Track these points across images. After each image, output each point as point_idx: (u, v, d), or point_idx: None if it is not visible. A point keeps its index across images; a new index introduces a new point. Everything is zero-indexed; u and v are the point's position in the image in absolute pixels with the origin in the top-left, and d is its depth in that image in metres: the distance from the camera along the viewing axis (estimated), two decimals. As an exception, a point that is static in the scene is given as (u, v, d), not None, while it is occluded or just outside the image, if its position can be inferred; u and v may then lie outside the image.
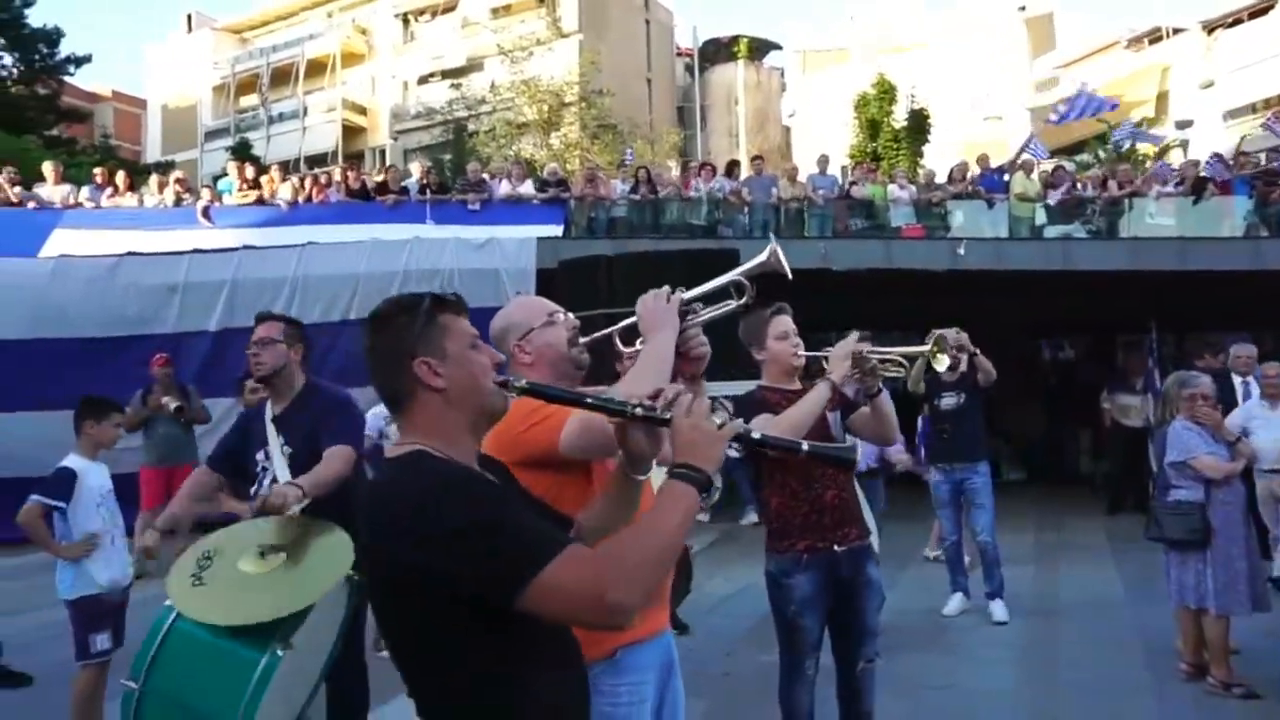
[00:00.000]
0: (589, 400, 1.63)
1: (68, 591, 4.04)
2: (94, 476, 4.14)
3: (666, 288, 2.10)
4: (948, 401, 6.37)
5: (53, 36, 30.13)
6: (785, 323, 3.38)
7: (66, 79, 31.32)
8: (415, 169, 12.52)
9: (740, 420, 1.57)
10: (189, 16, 42.57)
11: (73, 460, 4.11)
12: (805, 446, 1.59)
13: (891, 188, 12.55)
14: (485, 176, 12.48)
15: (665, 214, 12.60)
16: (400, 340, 1.50)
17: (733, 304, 2.13)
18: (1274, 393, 5.85)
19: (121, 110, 41.12)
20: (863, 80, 26.13)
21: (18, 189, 11.02)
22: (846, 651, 3.37)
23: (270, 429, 3.47)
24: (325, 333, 8.71)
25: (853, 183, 12.71)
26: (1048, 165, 13.64)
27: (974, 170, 12.77)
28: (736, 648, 5.55)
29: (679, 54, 38.32)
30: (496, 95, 25.16)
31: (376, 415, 5.29)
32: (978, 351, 6.00)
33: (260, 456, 3.47)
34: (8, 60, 29.77)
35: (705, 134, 36.34)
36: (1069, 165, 14.89)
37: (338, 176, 11.94)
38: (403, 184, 11.92)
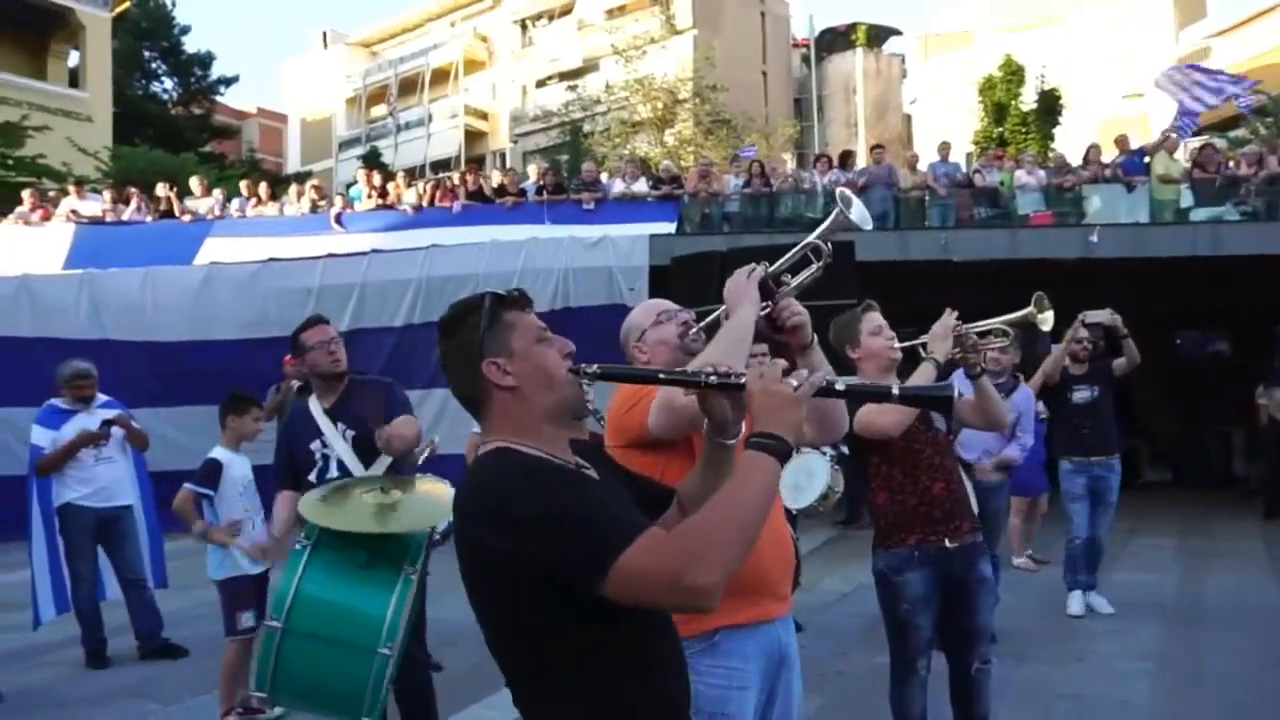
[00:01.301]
0: (662, 376, 1.66)
1: (216, 572, 4.38)
2: (237, 467, 4.48)
3: (750, 264, 2.14)
4: (1081, 395, 6.10)
5: (205, 60, 32.52)
6: (877, 318, 3.30)
7: (218, 99, 33.76)
8: (532, 171, 12.85)
9: (821, 373, 1.53)
10: (324, 34, 45.00)
11: (218, 452, 4.47)
12: (896, 389, 1.52)
13: (1019, 173, 11.98)
14: (601, 176, 12.69)
15: (780, 208, 12.48)
16: (468, 343, 1.51)
17: (815, 267, 2.14)
18: None
19: (266, 125, 43.75)
20: (988, 63, 24.98)
21: (177, 202, 11.96)
22: (960, 653, 3.26)
23: (323, 420, 3.66)
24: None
25: (976, 170, 12.21)
26: (1195, 143, 12.71)
27: (1112, 153, 12.03)
28: (850, 647, 5.46)
29: (795, 45, 37.65)
30: (610, 95, 25.44)
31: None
32: (1128, 334, 5.79)
33: (315, 446, 3.64)
34: (169, 84, 32.37)
35: (823, 125, 35.64)
36: (1219, 143, 13.81)
37: (458, 181, 12.36)
38: (520, 186, 12.25)
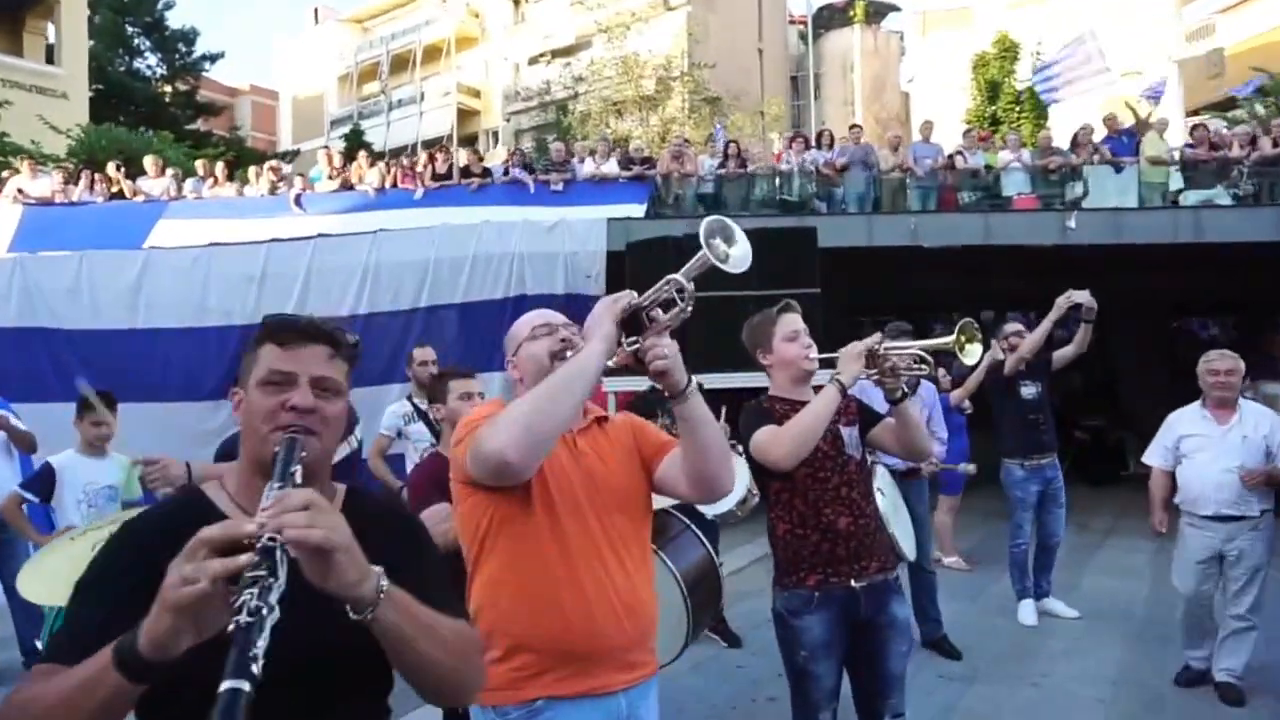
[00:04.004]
0: None
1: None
2: (82, 473, 4.11)
3: (625, 292, 1.89)
4: (1029, 390, 5.74)
5: (190, 36, 31.93)
6: (794, 321, 2.93)
7: (209, 75, 33.23)
8: (500, 152, 12.40)
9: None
10: (315, 10, 44.39)
11: (60, 456, 4.11)
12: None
13: (1002, 154, 11.53)
14: (573, 157, 12.24)
15: (757, 190, 12.05)
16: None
17: (680, 307, 1.82)
18: None
19: (259, 103, 43.33)
20: (986, 40, 24.38)
21: (128, 182, 11.53)
22: (869, 704, 2.91)
23: None
24: (398, 320, 8.71)
25: (958, 151, 11.74)
26: (1190, 123, 12.23)
27: (1100, 133, 11.57)
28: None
29: (792, 21, 37.01)
30: (595, 74, 24.88)
31: (394, 414, 5.12)
32: (1093, 321, 5.42)
33: None
34: (152, 61, 31.80)
35: (820, 103, 35.00)
36: (1214, 124, 13.31)
37: (423, 164, 11.92)
38: (485, 166, 11.82)
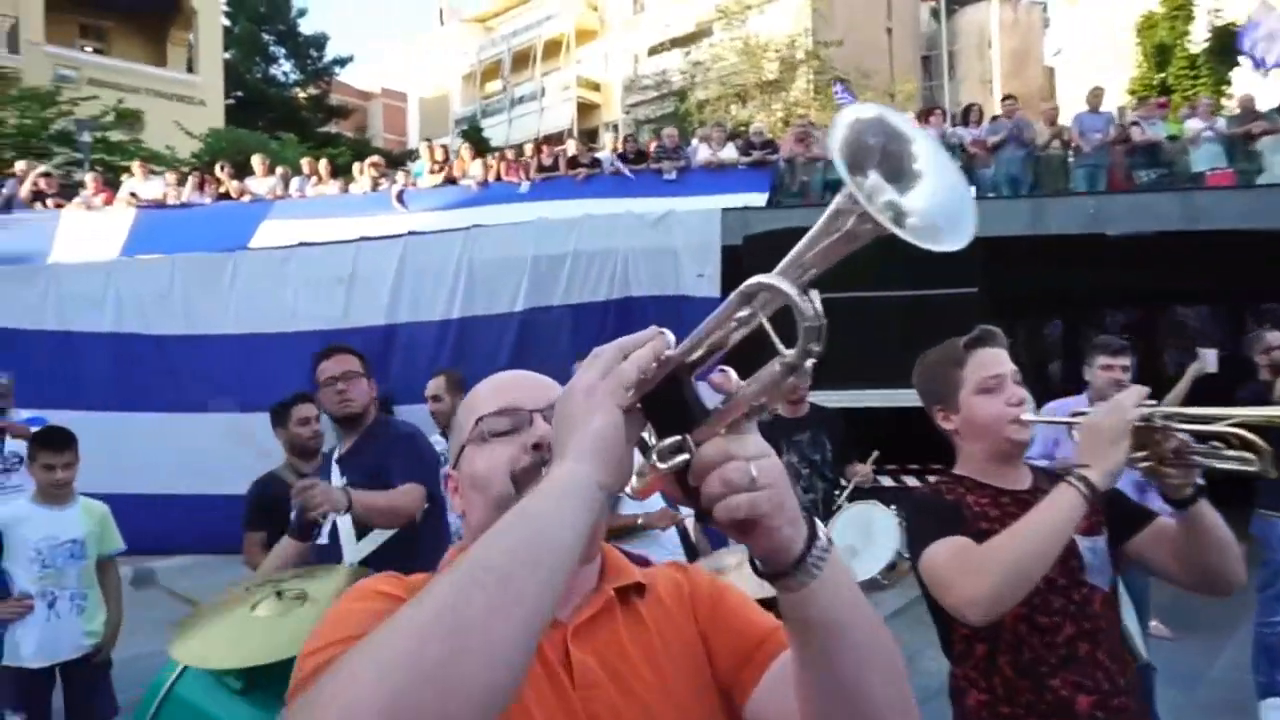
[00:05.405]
0: None
1: (4, 657, 3.44)
2: (35, 527, 3.44)
3: (651, 332, 0.87)
4: None
5: (320, 41, 33.06)
6: (993, 361, 1.88)
7: (343, 80, 34.41)
8: (608, 141, 11.65)
9: None
10: (440, 11, 45.33)
11: (12, 507, 3.47)
12: None
13: (1190, 123, 9.81)
14: (688, 143, 11.35)
15: (892, 173, 10.79)
16: None
17: (793, 363, 0.75)
18: None
19: (390, 105, 44.64)
20: (1146, 3, 21.89)
21: (234, 182, 11.41)
22: None
23: (335, 472, 3.05)
24: (493, 326, 8.05)
25: (1133, 122, 10.09)
26: None
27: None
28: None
29: (922, -1, 35.02)
30: (716, 60, 23.91)
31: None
32: None
33: None
34: (287, 67, 33.01)
35: (954, 83, 32.93)
36: None
37: (529, 154, 11.31)
38: (594, 156, 11.07)
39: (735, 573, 3.23)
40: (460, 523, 1.20)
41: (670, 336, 0.85)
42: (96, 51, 24.83)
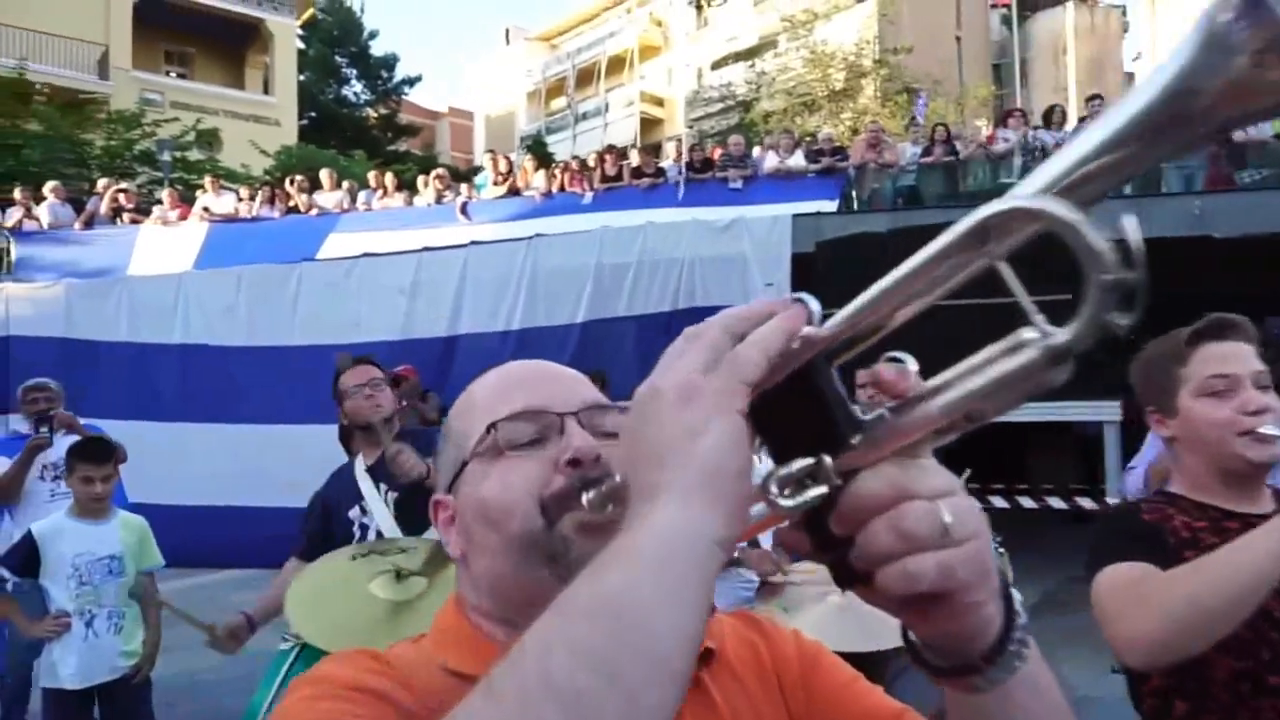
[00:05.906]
0: None
1: (41, 678, 3.34)
2: (72, 542, 3.29)
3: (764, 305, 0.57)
4: None
5: (390, 62, 33.82)
6: (1227, 358, 1.55)
7: (411, 99, 35.13)
8: (670, 149, 11.45)
9: None
10: (506, 30, 46.11)
11: (43, 523, 3.33)
12: None
13: (1297, 121, 9.17)
14: (754, 151, 11.10)
15: (968, 179, 10.35)
16: None
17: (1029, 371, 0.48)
18: None
19: (457, 124, 45.47)
20: (1240, -1, 20.89)
21: (303, 196, 11.56)
22: None
23: (365, 482, 3.07)
24: (555, 336, 7.87)
25: (1233, 120, 9.47)
26: None
27: None
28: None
29: (994, 5, 34.11)
30: (782, 71, 23.62)
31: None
32: None
33: (354, 514, 3.06)
34: (358, 87, 33.85)
35: (1027, 91, 31.95)
36: None
37: (592, 163, 11.20)
38: (658, 166, 10.90)
39: (814, 608, 2.81)
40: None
41: (814, 305, 0.56)
42: (180, 76, 25.79)
